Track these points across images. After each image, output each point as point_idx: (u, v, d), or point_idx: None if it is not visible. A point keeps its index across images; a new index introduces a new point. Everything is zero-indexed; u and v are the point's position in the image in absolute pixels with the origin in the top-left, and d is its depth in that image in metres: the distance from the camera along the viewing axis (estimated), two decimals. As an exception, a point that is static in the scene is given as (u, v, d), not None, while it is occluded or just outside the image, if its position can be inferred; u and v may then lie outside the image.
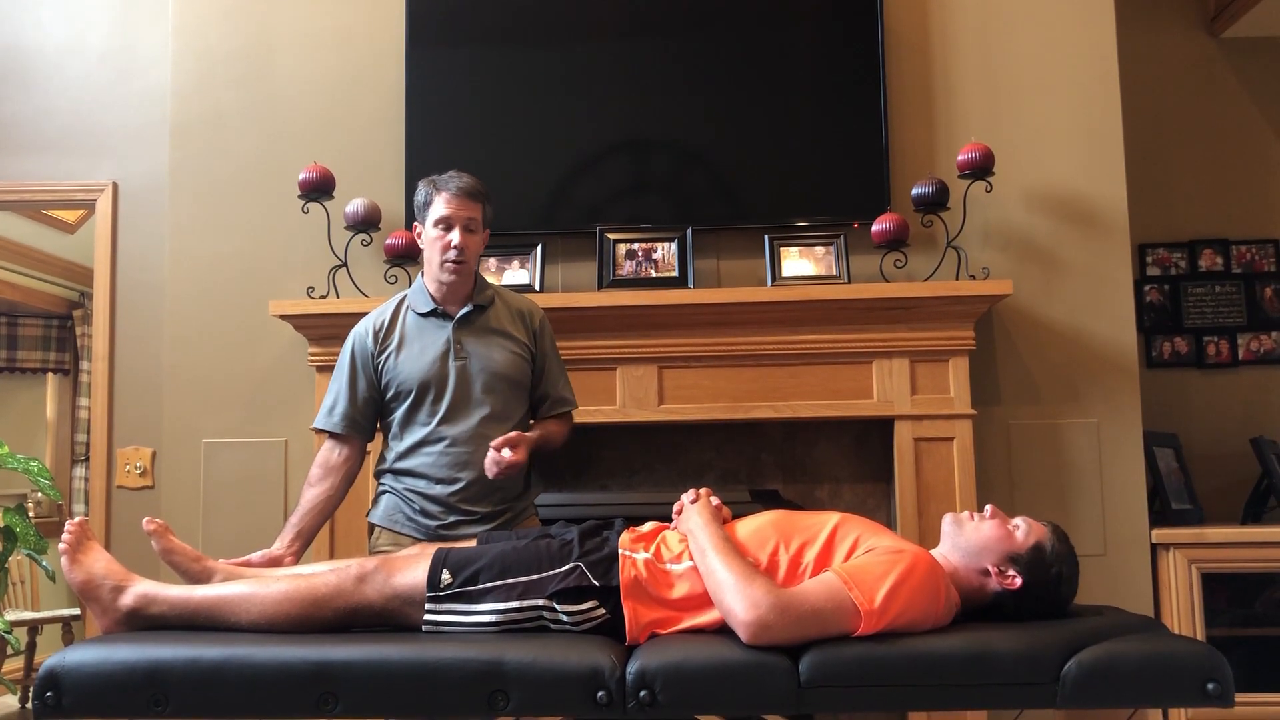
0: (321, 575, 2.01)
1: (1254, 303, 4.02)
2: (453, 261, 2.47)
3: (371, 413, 2.56)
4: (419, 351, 2.50)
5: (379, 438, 2.62)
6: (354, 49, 3.58)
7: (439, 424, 2.47)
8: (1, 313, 6.27)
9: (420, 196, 2.54)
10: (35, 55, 4.06)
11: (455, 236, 2.46)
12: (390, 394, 2.52)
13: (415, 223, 2.57)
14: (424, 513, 2.47)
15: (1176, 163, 4.07)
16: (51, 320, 6.44)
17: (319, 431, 2.58)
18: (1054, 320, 3.39)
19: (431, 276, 2.54)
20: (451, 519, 2.45)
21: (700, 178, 3.44)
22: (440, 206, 2.48)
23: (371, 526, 2.57)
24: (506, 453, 2.36)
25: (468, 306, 2.53)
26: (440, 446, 2.47)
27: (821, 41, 3.47)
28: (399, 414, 2.51)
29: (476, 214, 2.50)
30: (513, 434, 2.40)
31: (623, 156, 3.46)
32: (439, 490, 2.46)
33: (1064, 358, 3.38)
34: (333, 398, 2.56)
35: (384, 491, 2.55)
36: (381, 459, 2.57)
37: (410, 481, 2.49)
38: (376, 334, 2.54)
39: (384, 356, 2.52)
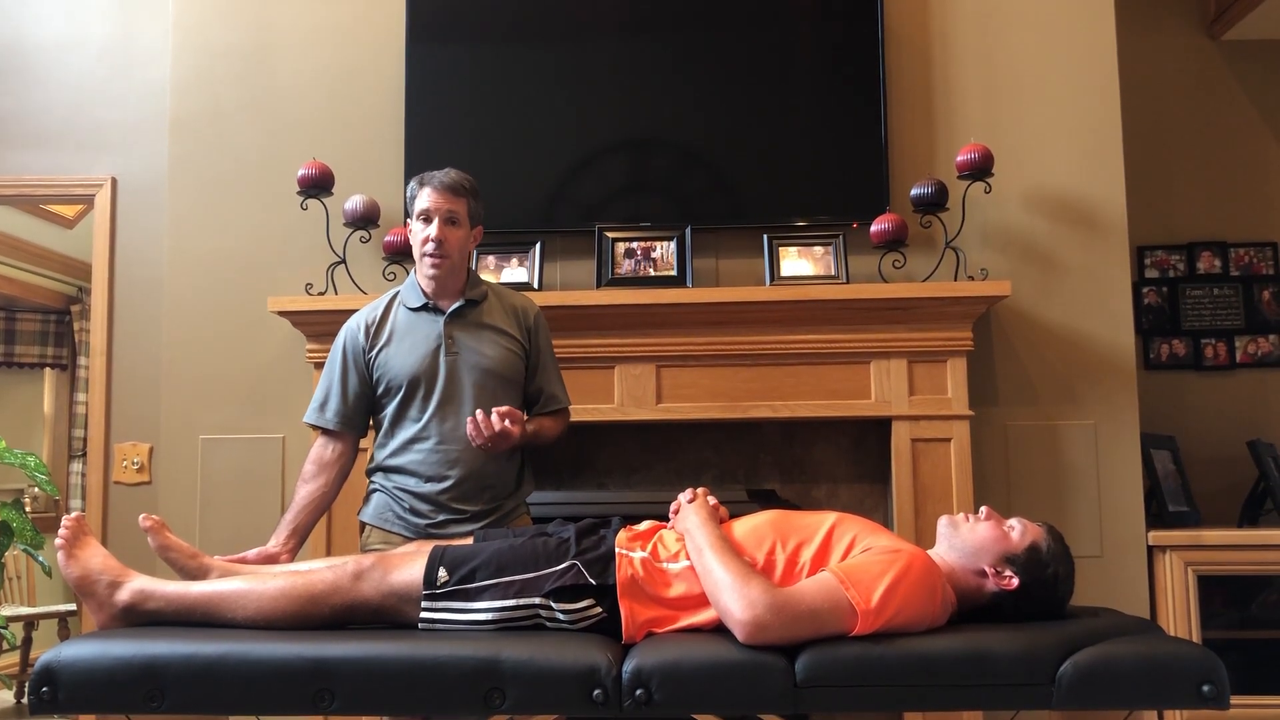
0: (318, 572, 2.01)
1: (1252, 305, 4.03)
2: (431, 254, 2.46)
3: (364, 408, 2.55)
4: (410, 346, 2.50)
5: (372, 434, 2.61)
6: (354, 45, 3.58)
7: (429, 420, 2.46)
8: (-1, 307, 6.28)
9: (408, 193, 2.54)
10: (35, 50, 4.06)
11: (434, 229, 2.45)
12: (381, 389, 2.51)
13: (407, 220, 2.57)
14: (414, 511, 2.46)
15: (1175, 165, 4.07)
16: (49, 315, 6.43)
17: (311, 427, 2.58)
18: (1052, 322, 3.39)
19: (419, 271, 2.54)
20: (441, 517, 2.44)
21: (699, 177, 3.44)
22: (422, 200, 2.48)
23: (362, 525, 2.56)
24: (503, 421, 2.32)
25: (459, 301, 2.53)
26: (430, 444, 2.46)
27: (821, 41, 3.47)
28: (390, 410, 2.51)
29: (459, 207, 2.49)
30: (515, 410, 2.39)
31: (622, 155, 3.46)
32: (428, 488, 2.45)
33: (1062, 359, 3.38)
34: (324, 393, 2.55)
35: (374, 490, 2.54)
36: (372, 457, 2.56)
37: (400, 479, 2.48)
38: (368, 329, 2.53)
39: (375, 352, 2.51)
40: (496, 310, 2.57)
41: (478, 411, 2.34)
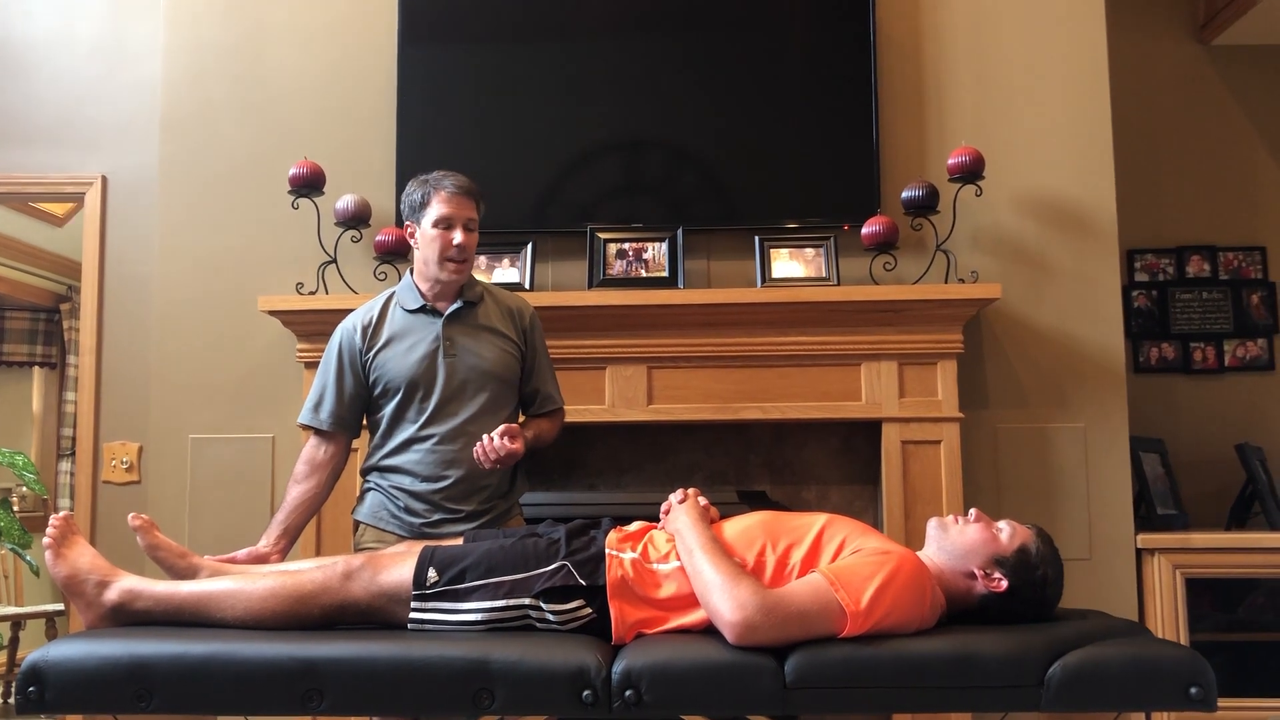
0: (308, 572, 2.00)
1: (1241, 309, 4.04)
2: (455, 260, 2.46)
3: (358, 409, 2.55)
4: (407, 348, 2.49)
5: (365, 435, 2.61)
6: (346, 44, 3.57)
7: (426, 421, 2.46)
8: (-12, 305, 6.25)
9: (415, 196, 2.50)
10: (25, 47, 4.04)
11: (458, 235, 2.45)
12: (378, 390, 2.51)
13: (408, 223, 2.54)
14: (409, 510, 2.46)
15: (1165, 169, 4.09)
16: (39, 314, 6.41)
17: (305, 428, 2.57)
18: (1042, 324, 3.40)
19: (427, 275, 2.51)
20: (436, 517, 2.44)
21: (692, 178, 3.45)
22: (440, 206, 2.46)
23: (356, 524, 2.55)
24: (505, 440, 2.34)
25: (457, 303, 2.52)
26: (428, 444, 2.46)
27: (814, 44, 3.47)
28: (387, 411, 2.50)
29: (474, 213, 2.50)
30: (513, 425, 2.40)
31: (614, 156, 3.46)
32: (424, 488, 2.45)
33: (1052, 362, 3.39)
34: (318, 394, 2.54)
35: (369, 489, 2.54)
36: (367, 456, 2.56)
37: (396, 479, 2.48)
38: (365, 330, 2.53)
39: (372, 353, 2.50)
40: (493, 312, 2.57)
41: (481, 439, 2.35)
